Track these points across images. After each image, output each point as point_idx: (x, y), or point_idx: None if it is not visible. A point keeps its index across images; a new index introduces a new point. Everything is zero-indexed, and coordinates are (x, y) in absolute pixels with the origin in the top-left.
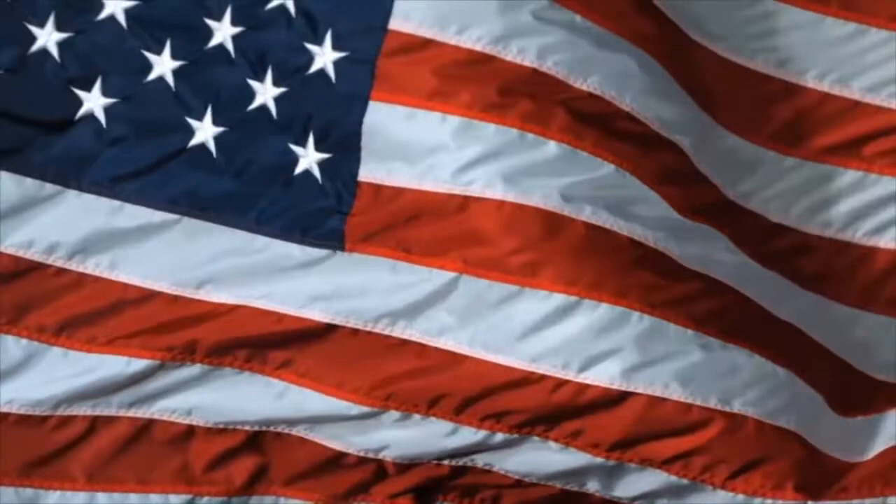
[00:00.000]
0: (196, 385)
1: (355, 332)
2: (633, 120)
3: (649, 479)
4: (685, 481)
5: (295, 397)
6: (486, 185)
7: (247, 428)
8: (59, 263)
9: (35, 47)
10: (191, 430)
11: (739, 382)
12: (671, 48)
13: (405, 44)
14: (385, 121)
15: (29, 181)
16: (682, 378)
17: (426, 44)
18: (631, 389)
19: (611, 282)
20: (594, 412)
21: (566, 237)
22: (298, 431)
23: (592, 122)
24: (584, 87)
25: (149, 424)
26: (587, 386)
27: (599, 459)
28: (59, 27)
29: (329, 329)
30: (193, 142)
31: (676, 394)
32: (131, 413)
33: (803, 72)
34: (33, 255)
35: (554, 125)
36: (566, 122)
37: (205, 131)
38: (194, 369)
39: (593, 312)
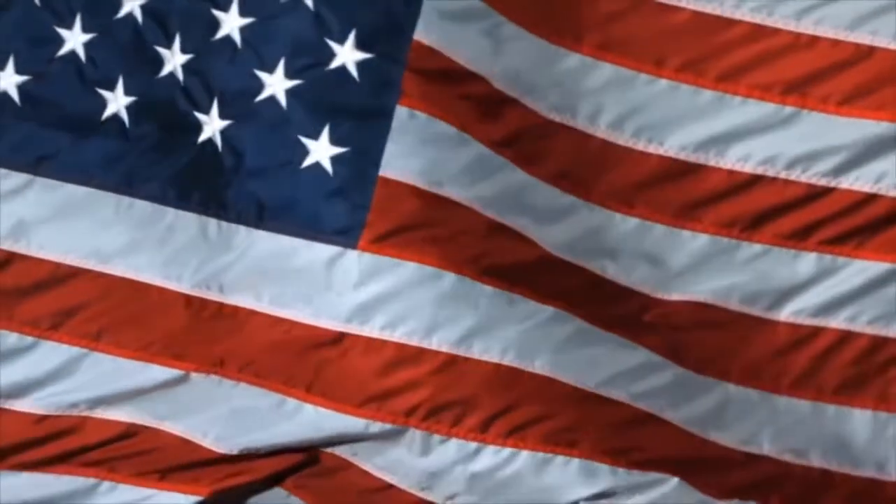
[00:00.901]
0: (217, 402)
1: (370, 340)
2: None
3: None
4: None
5: (308, 416)
6: (482, 205)
7: (262, 453)
8: (99, 268)
9: (63, 50)
10: (211, 454)
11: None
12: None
13: (428, 56)
14: (412, 126)
15: (68, 186)
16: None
17: (445, 61)
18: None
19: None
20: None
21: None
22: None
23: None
24: (553, 118)
25: (175, 441)
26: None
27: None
28: (85, 28)
29: (340, 338)
30: (202, 137)
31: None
32: (165, 427)
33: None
34: (73, 260)
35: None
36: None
37: (212, 125)
38: (218, 384)
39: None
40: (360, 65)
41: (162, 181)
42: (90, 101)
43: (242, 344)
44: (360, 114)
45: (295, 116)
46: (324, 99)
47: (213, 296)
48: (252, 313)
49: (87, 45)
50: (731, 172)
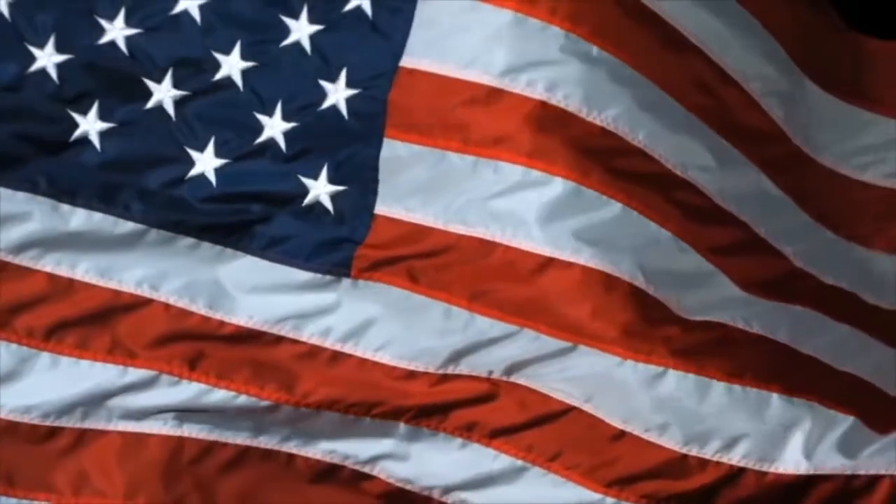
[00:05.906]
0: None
1: (363, 361)
2: (645, 157)
3: None
4: None
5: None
6: (483, 223)
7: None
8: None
9: (34, 67)
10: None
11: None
12: (692, 81)
13: (415, 81)
14: (399, 157)
15: (20, 195)
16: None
17: (434, 80)
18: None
19: (604, 328)
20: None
21: (563, 281)
22: (290, 448)
23: (600, 159)
24: (597, 122)
25: (142, 438)
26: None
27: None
28: (59, 49)
29: (336, 357)
30: (193, 172)
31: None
32: (121, 427)
33: None
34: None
35: (559, 161)
36: (572, 157)
37: (205, 162)
38: (190, 388)
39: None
40: (350, 101)
41: (144, 207)
42: (60, 121)
43: (234, 355)
44: (353, 151)
45: (294, 157)
46: (320, 139)
47: (206, 312)
48: (239, 328)
49: (61, 66)
50: None
